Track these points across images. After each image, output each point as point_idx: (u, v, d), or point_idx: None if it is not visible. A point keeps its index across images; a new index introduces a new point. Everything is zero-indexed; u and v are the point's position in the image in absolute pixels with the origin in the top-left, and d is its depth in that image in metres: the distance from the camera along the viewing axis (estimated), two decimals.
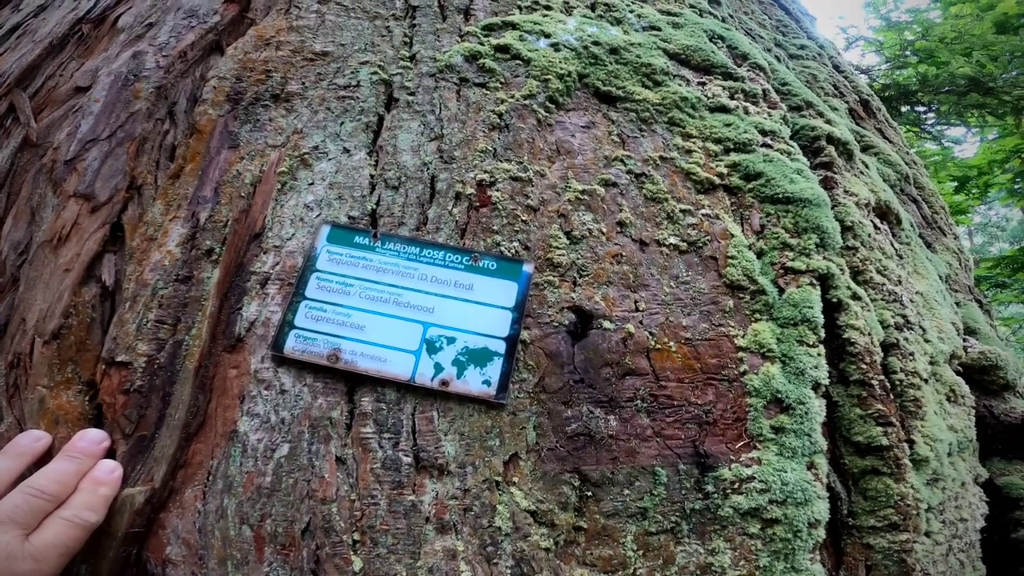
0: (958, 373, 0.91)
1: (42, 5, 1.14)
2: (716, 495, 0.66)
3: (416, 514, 0.62)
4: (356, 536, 0.61)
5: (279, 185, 0.79)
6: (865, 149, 1.25)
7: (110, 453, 0.65)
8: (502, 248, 0.74)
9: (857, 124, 1.39)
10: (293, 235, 0.75)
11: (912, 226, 1.14)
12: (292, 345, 0.67)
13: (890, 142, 1.44)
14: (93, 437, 0.64)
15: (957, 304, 1.11)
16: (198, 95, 0.90)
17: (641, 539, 0.65)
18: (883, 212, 0.98)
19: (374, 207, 0.77)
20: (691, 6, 1.23)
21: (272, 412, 0.65)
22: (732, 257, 0.77)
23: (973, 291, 1.17)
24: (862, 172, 1.01)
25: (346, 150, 0.82)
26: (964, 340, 0.94)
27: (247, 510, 0.62)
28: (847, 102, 1.43)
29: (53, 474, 0.59)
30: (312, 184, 0.79)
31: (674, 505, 0.65)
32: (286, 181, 0.79)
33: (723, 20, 1.31)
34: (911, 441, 0.75)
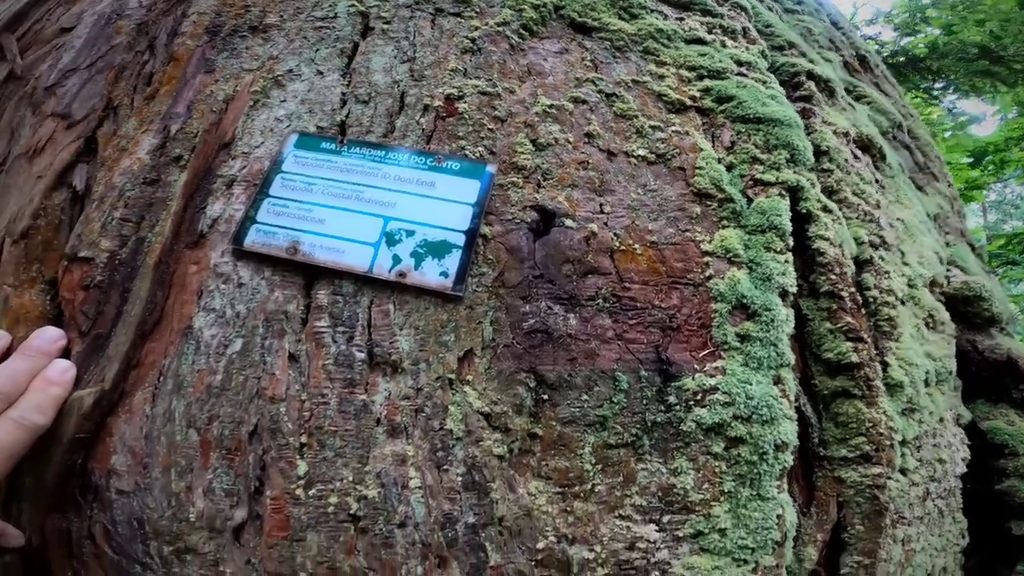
0: (947, 302, 0.88)
1: None
2: (679, 407, 0.64)
3: (367, 415, 0.60)
4: (304, 439, 0.60)
5: (251, 102, 0.80)
6: (858, 98, 1.24)
7: (67, 353, 0.64)
8: (467, 152, 0.74)
9: (852, 76, 1.38)
10: (262, 143, 0.76)
11: (901, 168, 1.12)
12: (252, 238, 0.67)
13: (886, 95, 1.43)
14: (49, 336, 0.63)
15: (947, 244, 1.08)
16: (178, 30, 0.92)
17: (600, 451, 0.63)
18: (865, 145, 0.96)
19: (343, 119, 0.78)
20: None
21: (228, 306, 0.65)
22: (700, 168, 0.76)
23: (965, 235, 1.15)
24: (844, 109, 1.00)
25: (319, 72, 0.83)
26: (948, 270, 0.92)
27: (195, 412, 0.61)
28: (843, 56, 1.42)
29: (5, 372, 0.58)
30: (284, 101, 0.80)
31: (635, 416, 0.64)
32: (258, 99, 0.80)
33: None
34: (884, 364, 0.73)
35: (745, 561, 0.65)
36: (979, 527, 0.95)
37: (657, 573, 0.63)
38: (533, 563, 0.60)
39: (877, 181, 0.93)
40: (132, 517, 0.59)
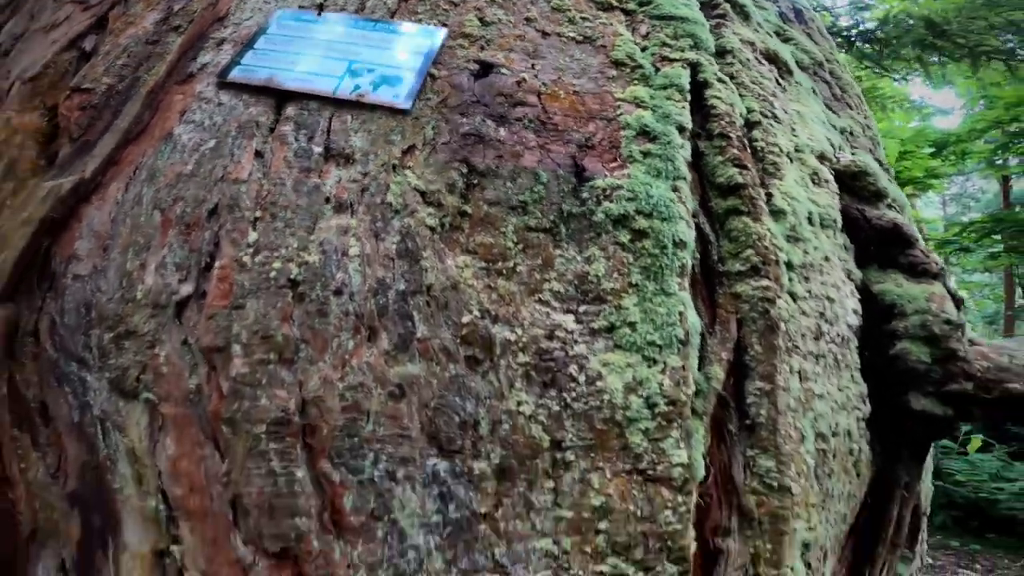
0: (837, 176, 1.02)
1: None
2: (591, 201, 0.76)
3: (317, 194, 0.72)
4: (258, 213, 0.70)
5: None
6: (786, 40, 1.40)
7: (54, 158, 0.75)
8: (428, 20, 0.88)
9: (785, 23, 1.53)
10: (251, 18, 0.90)
11: (813, 91, 1.28)
12: (235, 73, 0.80)
13: (815, 43, 1.59)
14: None
15: (852, 154, 1.23)
16: None
17: (521, 233, 0.74)
18: (771, 57, 1.12)
19: (322, 1, 0.92)
20: None
21: (207, 118, 0.77)
22: (619, 46, 0.91)
23: (875, 154, 1.29)
24: (756, 30, 1.16)
25: None
26: (837, 151, 1.06)
27: (162, 195, 0.71)
28: (779, 7, 1.58)
29: None
30: None
31: (552, 205, 0.75)
32: None
33: None
34: (769, 194, 0.86)
35: (655, 361, 0.75)
36: (881, 402, 1.05)
37: (575, 367, 0.73)
38: (458, 340, 0.69)
39: (778, 82, 1.09)
40: (81, 304, 0.68)
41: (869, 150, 1.31)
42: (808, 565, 0.88)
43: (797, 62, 1.35)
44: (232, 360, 0.63)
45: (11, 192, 0.72)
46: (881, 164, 1.36)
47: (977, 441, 4.51)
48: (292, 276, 0.67)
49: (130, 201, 0.71)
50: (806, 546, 0.88)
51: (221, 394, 0.63)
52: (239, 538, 0.60)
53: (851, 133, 1.32)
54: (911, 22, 3.59)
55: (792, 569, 0.83)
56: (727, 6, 1.12)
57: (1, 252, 0.68)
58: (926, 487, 1.46)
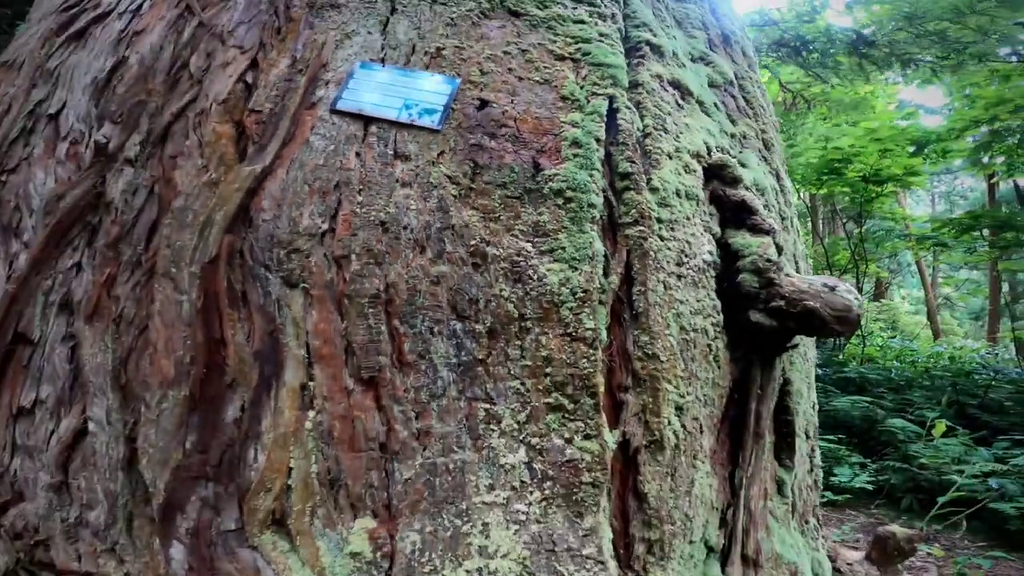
0: (707, 169, 1.61)
1: None
2: (542, 182, 1.36)
3: (391, 177, 1.32)
4: (360, 187, 1.31)
5: (335, 46, 1.53)
6: (707, 63, 1.97)
7: (244, 153, 1.36)
8: (448, 71, 1.47)
9: (711, 49, 2.08)
10: (342, 66, 1.48)
11: (716, 105, 1.85)
12: (339, 105, 1.39)
13: (735, 63, 2.15)
14: None
15: (740, 154, 1.81)
16: (290, 4, 1.64)
17: (503, 199, 1.34)
18: (676, 84, 1.70)
19: (383, 57, 1.51)
20: None
21: (327, 132, 1.37)
22: (566, 85, 1.50)
23: (764, 152, 1.87)
24: (668, 65, 1.74)
25: (369, 32, 1.56)
26: (712, 153, 1.64)
27: (308, 176, 1.32)
28: (708, 35, 2.13)
29: None
30: (351, 46, 1.53)
31: (520, 184, 1.36)
32: (338, 44, 1.53)
33: None
34: (649, 178, 1.45)
35: (575, 268, 1.36)
36: (732, 321, 1.64)
37: (531, 270, 1.34)
38: (467, 253, 1.31)
39: (678, 103, 1.67)
40: (267, 235, 1.29)
41: (758, 149, 1.89)
42: (684, 427, 1.49)
43: (711, 81, 1.92)
44: (351, 263, 1.25)
45: (223, 173, 1.33)
46: (766, 160, 1.94)
47: (942, 426, 4.76)
48: (381, 219, 1.28)
49: (290, 179, 1.32)
50: (679, 409, 1.48)
51: (344, 281, 1.26)
52: (347, 372, 1.23)
53: (744, 136, 1.90)
54: (844, 34, 4.09)
55: (668, 421, 1.44)
56: (647, 48, 1.69)
57: (224, 207, 1.30)
58: (806, 411, 2.05)
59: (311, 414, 1.18)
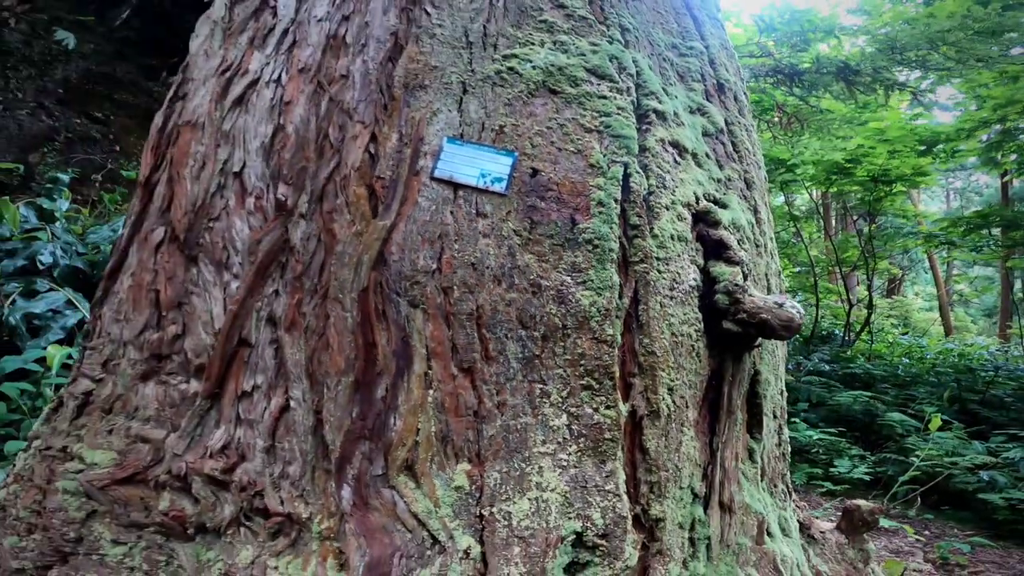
0: (694, 215, 2.22)
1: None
2: (578, 233, 1.98)
3: (476, 229, 1.95)
4: (455, 237, 1.94)
5: (426, 122, 2.11)
6: (703, 114, 2.54)
7: (375, 210, 1.98)
8: (507, 147, 2.06)
9: (707, 99, 2.65)
10: (434, 140, 2.07)
11: (707, 155, 2.44)
12: (436, 174, 2.00)
13: (727, 109, 2.71)
14: None
15: (724, 194, 2.41)
16: (392, 83, 2.20)
17: (550, 246, 1.97)
18: (675, 144, 2.28)
19: (462, 132, 2.09)
20: (608, 39, 2.50)
21: (429, 194, 1.98)
22: (593, 154, 2.09)
23: (744, 192, 2.47)
24: (670, 127, 2.31)
25: (449, 110, 2.13)
26: (699, 201, 2.24)
27: (419, 229, 1.94)
28: (705, 85, 2.69)
29: None
30: (439, 122, 2.11)
31: (562, 234, 1.98)
32: (429, 120, 2.11)
33: (625, 43, 2.55)
34: (651, 227, 2.07)
35: (600, 293, 2.01)
36: (711, 329, 2.29)
37: (570, 295, 2.00)
38: (525, 283, 1.96)
39: (676, 160, 2.25)
40: (397, 271, 1.92)
41: (740, 189, 2.49)
42: (674, 402, 2.16)
43: (704, 131, 2.50)
44: (454, 292, 1.90)
45: (364, 225, 1.95)
46: (746, 198, 2.54)
47: (937, 420, 4.85)
48: (471, 261, 1.92)
49: (408, 231, 1.95)
50: (671, 389, 2.14)
51: (450, 304, 1.91)
52: (453, 364, 1.89)
53: (728, 179, 2.50)
54: (832, 63, 4.55)
55: (663, 397, 2.11)
56: (653, 115, 2.27)
57: (368, 252, 1.93)
58: (774, 396, 2.69)
59: (430, 392, 1.86)
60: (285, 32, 2.21)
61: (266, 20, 2.24)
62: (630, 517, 1.92)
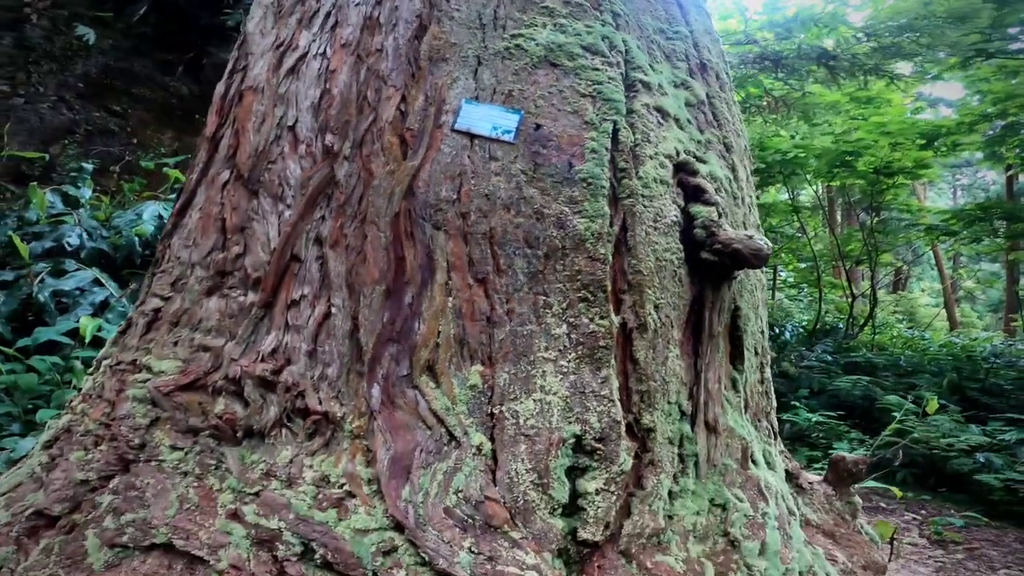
0: (675, 165, 2.61)
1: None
2: (574, 173, 2.37)
3: (489, 170, 2.33)
4: (472, 176, 2.33)
5: (447, 87, 2.52)
6: (686, 88, 2.95)
7: (405, 150, 2.38)
8: (515, 105, 2.46)
9: (691, 76, 3.06)
10: (453, 101, 2.48)
11: (689, 121, 2.84)
12: (456, 126, 2.40)
13: (708, 85, 3.12)
14: None
15: (703, 154, 2.80)
16: (417, 56, 2.62)
17: (551, 182, 2.36)
18: (658, 109, 2.68)
19: (476, 96, 2.50)
20: (601, 22, 2.93)
21: (451, 143, 2.38)
22: (587, 114, 2.49)
23: (723, 153, 2.86)
24: (655, 95, 2.72)
25: (466, 78, 2.55)
26: (679, 155, 2.63)
27: (442, 169, 2.33)
28: (689, 64, 3.10)
29: None
30: (457, 88, 2.52)
31: (561, 174, 2.36)
32: (450, 86, 2.52)
33: (616, 26, 2.97)
34: (637, 169, 2.45)
35: (592, 220, 2.39)
36: (692, 261, 2.66)
37: (568, 221, 2.38)
38: (530, 208, 2.35)
39: (659, 122, 2.65)
40: (423, 200, 2.31)
41: (718, 150, 2.89)
42: (659, 319, 2.52)
43: (687, 102, 2.90)
44: (471, 216, 2.28)
45: (396, 166, 2.34)
46: (724, 158, 2.94)
47: (934, 403, 4.95)
48: (485, 193, 2.30)
49: (433, 170, 2.34)
50: (656, 306, 2.51)
51: (468, 226, 2.28)
52: (470, 276, 2.26)
53: (708, 142, 2.89)
54: (812, 51, 5.05)
55: (649, 313, 2.47)
56: (640, 85, 2.68)
57: (399, 186, 2.31)
58: (754, 332, 3.04)
59: (450, 300, 2.22)
60: (328, 14, 2.65)
61: (311, 4, 2.69)
62: (623, 424, 2.24)
